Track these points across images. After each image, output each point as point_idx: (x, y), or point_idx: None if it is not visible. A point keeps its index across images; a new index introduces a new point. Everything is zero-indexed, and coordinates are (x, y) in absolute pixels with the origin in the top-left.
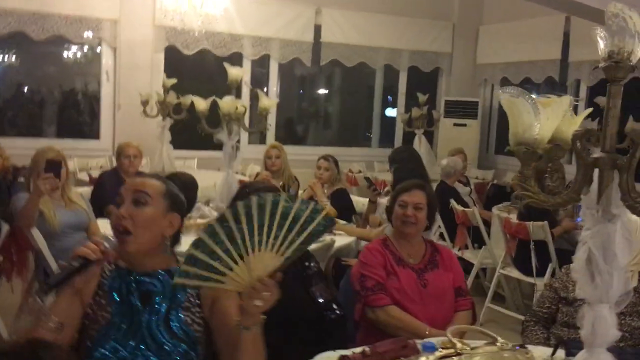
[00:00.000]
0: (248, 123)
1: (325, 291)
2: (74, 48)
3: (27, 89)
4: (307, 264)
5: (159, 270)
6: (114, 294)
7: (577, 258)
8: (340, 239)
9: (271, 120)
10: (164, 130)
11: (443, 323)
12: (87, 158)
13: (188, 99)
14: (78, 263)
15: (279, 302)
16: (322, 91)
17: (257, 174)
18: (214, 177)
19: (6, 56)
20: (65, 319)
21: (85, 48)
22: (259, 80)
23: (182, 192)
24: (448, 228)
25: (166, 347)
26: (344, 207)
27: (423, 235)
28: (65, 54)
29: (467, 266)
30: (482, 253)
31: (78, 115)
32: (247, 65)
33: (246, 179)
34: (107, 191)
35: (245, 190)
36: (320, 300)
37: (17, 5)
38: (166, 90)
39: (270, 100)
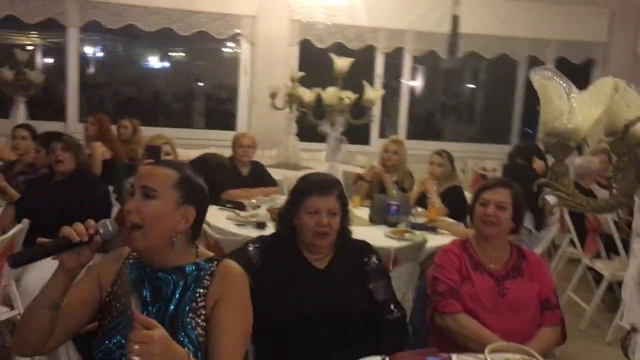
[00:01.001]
0: (380, 115)
1: (385, 290)
2: (217, 44)
3: (178, 83)
4: (366, 259)
5: (172, 268)
6: (130, 286)
7: (628, 274)
8: (441, 239)
9: (402, 115)
10: (290, 122)
11: (522, 337)
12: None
13: (308, 91)
14: (57, 243)
15: (333, 296)
16: (467, 85)
17: (371, 167)
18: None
19: (155, 51)
20: (74, 300)
21: (227, 43)
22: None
23: (208, 175)
24: (580, 234)
25: None
26: (456, 206)
27: (511, 239)
28: (209, 49)
29: (599, 277)
30: (615, 264)
31: (222, 107)
32: (379, 58)
33: (361, 171)
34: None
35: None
36: (378, 299)
37: (166, 4)
38: (294, 82)
39: (374, 91)
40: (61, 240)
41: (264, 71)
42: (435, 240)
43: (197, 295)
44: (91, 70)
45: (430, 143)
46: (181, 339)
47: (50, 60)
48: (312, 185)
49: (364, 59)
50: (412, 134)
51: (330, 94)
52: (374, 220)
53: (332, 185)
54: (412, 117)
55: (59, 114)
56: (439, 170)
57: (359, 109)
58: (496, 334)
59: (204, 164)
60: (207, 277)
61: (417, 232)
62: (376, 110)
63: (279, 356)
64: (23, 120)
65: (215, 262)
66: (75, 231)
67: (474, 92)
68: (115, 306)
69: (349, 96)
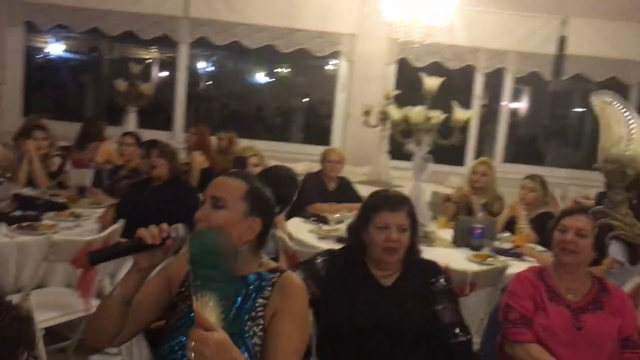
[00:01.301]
0: (477, 137)
1: (451, 312)
2: (318, 61)
3: (280, 98)
4: (434, 279)
5: (235, 276)
6: None
7: None
8: (524, 266)
9: (500, 137)
10: (382, 140)
11: None
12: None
13: (396, 110)
14: (132, 244)
15: (397, 314)
16: (574, 109)
17: (460, 189)
18: (428, 190)
19: (260, 67)
20: (145, 298)
21: (326, 61)
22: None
23: (277, 187)
24: None
25: None
26: (547, 233)
27: (599, 272)
28: (310, 65)
29: None
30: None
31: (320, 123)
32: (479, 78)
33: (449, 191)
34: (309, 192)
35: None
36: (444, 321)
37: (270, 22)
38: (388, 100)
39: (464, 112)
40: (136, 241)
41: (361, 89)
42: (518, 267)
43: (257, 305)
44: (200, 83)
45: (529, 167)
46: (239, 345)
47: (165, 74)
48: (382, 201)
49: (462, 79)
50: (512, 157)
51: (417, 113)
52: (457, 242)
53: (403, 202)
54: (514, 140)
55: (167, 124)
56: (530, 195)
57: (448, 129)
58: None
59: (275, 175)
60: (268, 288)
61: (501, 258)
62: (472, 131)
63: None
64: (133, 128)
65: (277, 273)
66: (149, 234)
67: (582, 116)
68: (181, 307)
69: (437, 116)
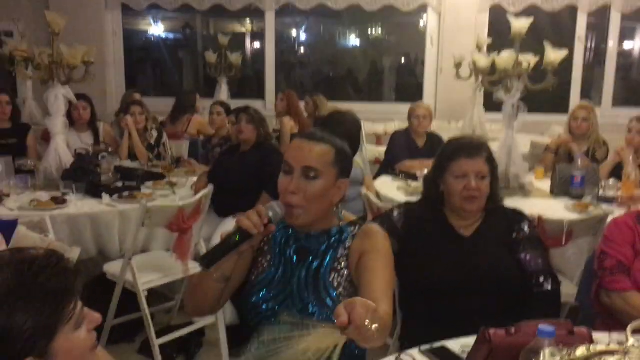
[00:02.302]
0: (581, 81)
1: (536, 260)
2: (405, 17)
3: (369, 58)
4: (517, 227)
5: (318, 231)
6: (276, 244)
7: None
8: None
9: (608, 80)
10: (475, 92)
11: None
12: None
13: (484, 57)
14: (238, 237)
15: (478, 265)
16: None
17: (559, 136)
18: (526, 140)
19: (346, 29)
20: (233, 272)
21: (416, 17)
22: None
23: (345, 131)
24: None
25: (310, 308)
26: None
27: None
28: (398, 23)
29: None
30: None
31: (411, 80)
32: (582, 19)
33: (546, 140)
34: (397, 149)
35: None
36: (529, 269)
37: None
38: (480, 50)
39: (556, 53)
40: (242, 233)
41: (451, 41)
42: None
43: (340, 256)
44: (292, 51)
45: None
46: (323, 296)
47: (258, 45)
48: (459, 148)
49: (563, 22)
50: (624, 101)
51: (504, 58)
52: (555, 192)
53: (481, 148)
54: (626, 84)
55: (260, 94)
56: (638, 138)
57: (543, 73)
58: None
59: (340, 121)
60: (349, 240)
61: (604, 206)
62: (576, 76)
63: (424, 322)
64: (225, 99)
65: (357, 226)
66: (252, 224)
67: None
68: (261, 262)
69: (527, 59)
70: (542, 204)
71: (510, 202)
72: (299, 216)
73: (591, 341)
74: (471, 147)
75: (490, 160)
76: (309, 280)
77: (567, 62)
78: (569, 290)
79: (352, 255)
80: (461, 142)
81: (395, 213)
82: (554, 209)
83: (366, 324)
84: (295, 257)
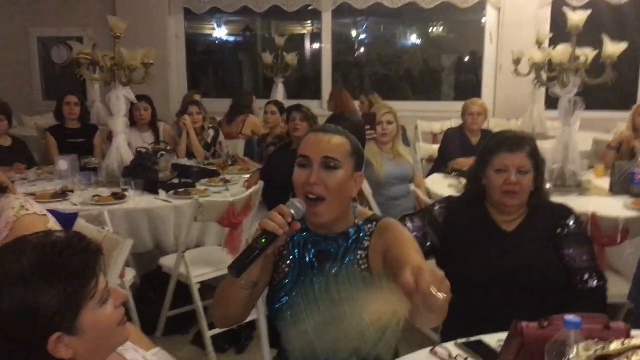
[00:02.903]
0: None
1: (581, 257)
2: (465, 14)
3: (427, 57)
4: (562, 223)
5: (336, 233)
6: (294, 248)
7: None
8: None
9: None
10: (535, 89)
11: None
12: None
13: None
14: (264, 240)
15: (519, 260)
16: None
17: (621, 134)
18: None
19: (403, 27)
20: (258, 277)
21: (476, 14)
22: None
23: (354, 132)
24: None
25: (331, 310)
26: None
27: None
28: (456, 21)
29: None
30: None
31: (469, 78)
32: None
33: (610, 138)
34: (450, 147)
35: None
36: (573, 266)
37: None
38: (540, 46)
39: (615, 46)
40: (268, 235)
41: (511, 37)
42: None
43: (359, 257)
44: (348, 50)
45: None
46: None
47: (316, 45)
48: (501, 142)
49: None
50: None
51: (560, 52)
52: (614, 190)
53: (523, 142)
54: None
55: (317, 93)
56: None
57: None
58: None
59: (349, 120)
60: (366, 238)
61: None
62: None
63: (465, 318)
64: (282, 99)
65: (374, 223)
66: (277, 225)
67: None
68: (282, 267)
69: (584, 53)
70: (600, 202)
71: (566, 200)
72: (323, 212)
73: (628, 336)
74: (513, 141)
75: (534, 155)
76: (331, 283)
77: (635, 57)
78: (626, 291)
79: (372, 254)
80: (504, 136)
81: (437, 207)
82: (611, 207)
83: (433, 291)
84: (315, 260)
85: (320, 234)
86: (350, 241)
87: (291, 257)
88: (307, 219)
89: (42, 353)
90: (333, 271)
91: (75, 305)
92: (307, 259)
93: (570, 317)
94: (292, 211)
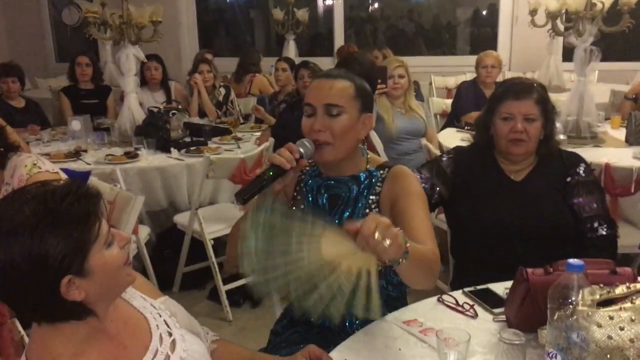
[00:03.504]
0: None
1: (591, 205)
2: None
3: (442, 11)
4: (572, 171)
5: (348, 176)
6: (308, 193)
7: None
8: None
9: None
10: (552, 40)
11: None
12: None
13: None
14: (271, 173)
15: (528, 210)
16: None
17: (638, 84)
18: (606, 89)
19: None
20: None
21: None
22: None
23: (362, 75)
24: None
25: None
26: None
27: None
28: None
29: None
30: None
31: (485, 31)
32: None
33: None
34: (463, 100)
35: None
36: (582, 214)
37: None
38: None
39: None
40: (274, 169)
41: None
42: None
43: (370, 202)
44: (361, 5)
45: None
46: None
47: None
48: (507, 90)
49: None
50: None
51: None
52: (630, 140)
53: (530, 89)
54: None
55: (329, 50)
56: None
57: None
58: None
59: (357, 61)
60: (378, 184)
61: None
62: None
63: (476, 267)
64: (293, 56)
65: (386, 169)
66: (284, 159)
67: None
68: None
69: (602, 1)
70: (614, 153)
71: (581, 152)
72: (328, 152)
73: (634, 281)
74: (520, 87)
75: (542, 102)
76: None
77: None
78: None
79: (383, 200)
80: (510, 84)
81: (445, 158)
82: (626, 157)
83: (375, 235)
84: (327, 204)
85: (331, 177)
86: (362, 186)
87: (305, 201)
88: (315, 160)
89: (56, 297)
90: (345, 215)
91: (82, 248)
92: (320, 202)
93: (573, 260)
94: (301, 149)
